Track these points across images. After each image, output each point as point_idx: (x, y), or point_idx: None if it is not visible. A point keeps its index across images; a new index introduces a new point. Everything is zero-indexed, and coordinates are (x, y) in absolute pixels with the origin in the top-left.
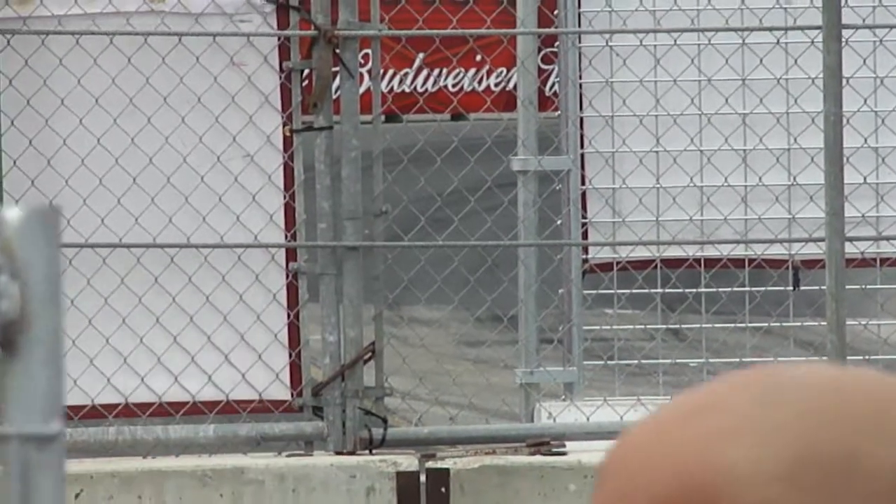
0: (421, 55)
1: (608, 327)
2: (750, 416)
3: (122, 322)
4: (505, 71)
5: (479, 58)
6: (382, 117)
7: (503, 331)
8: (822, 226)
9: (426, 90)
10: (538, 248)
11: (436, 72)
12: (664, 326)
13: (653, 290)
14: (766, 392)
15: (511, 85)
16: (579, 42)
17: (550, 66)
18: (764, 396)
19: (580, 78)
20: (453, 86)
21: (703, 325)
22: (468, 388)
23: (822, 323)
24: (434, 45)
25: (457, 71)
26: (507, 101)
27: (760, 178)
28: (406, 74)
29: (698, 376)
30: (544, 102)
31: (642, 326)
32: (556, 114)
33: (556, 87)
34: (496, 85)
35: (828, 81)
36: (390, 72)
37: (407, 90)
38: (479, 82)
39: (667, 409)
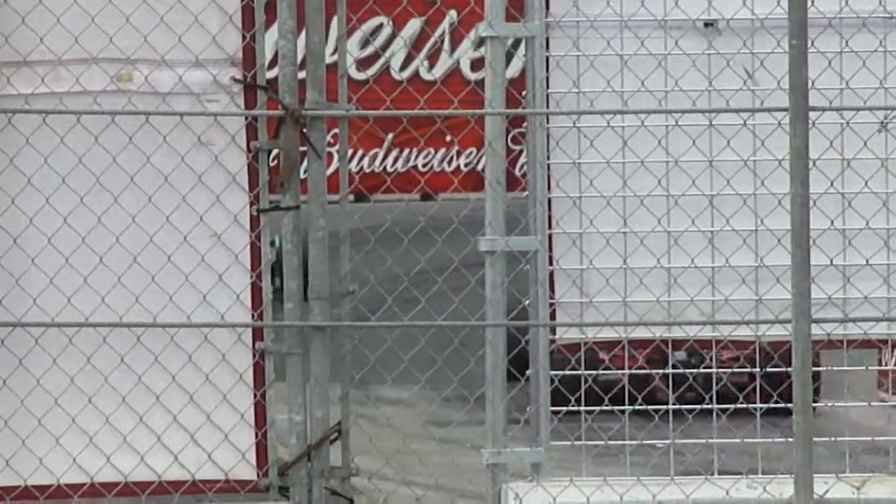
0: (390, 135)
1: (575, 408)
2: None
3: (88, 401)
4: (474, 151)
5: (448, 138)
6: (351, 197)
7: (470, 411)
8: (789, 307)
9: (396, 170)
10: (506, 328)
11: (405, 152)
12: (631, 407)
13: (619, 371)
14: None
15: (480, 165)
16: (547, 123)
17: (519, 147)
18: None
19: (548, 158)
20: (423, 165)
21: (670, 406)
22: (435, 469)
23: (789, 404)
24: (403, 125)
25: (426, 151)
26: (475, 181)
27: (727, 260)
28: (375, 154)
29: (665, 457)
30: (513, 182)
31: (609, 407)
32: (524, 194)
33: (525, 167)
34: (466, 165)
35: (794, 163)
36: (360, 152)
37: (377, 170)
38: (449, 162)
39: None
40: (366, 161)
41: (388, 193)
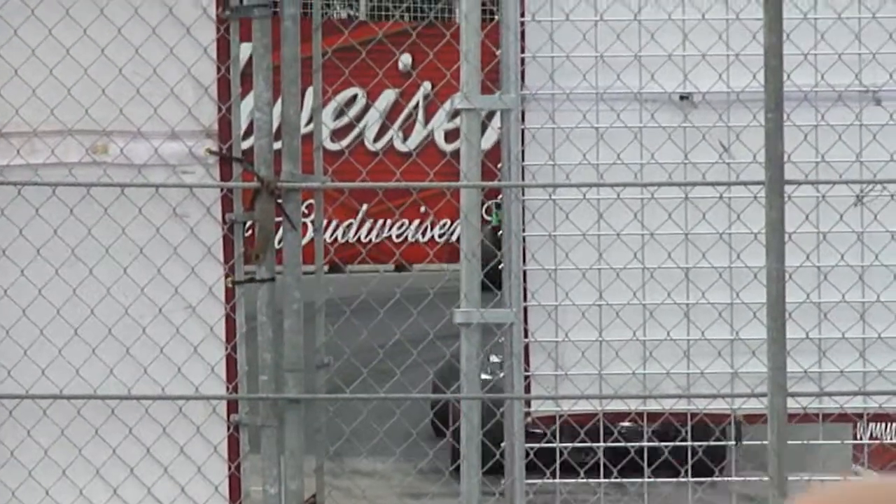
0: (364, 206)
1: (550, 481)
2: None
3: (62, 474)
4: (448, 222)
5: (422, 209)
6: (325, 268)
7: (446, 483)
8: (765, 381)
9: (370, 241)
10: (481, 401)
11: (379, 223)
12: (606, 480)
13: (594, 444)
14: None
15: (455, 237)
16: (523, 195)
17: (490, 219)
18: None
19: (523, 231)
20: (397, 237)
21: (646, 480)
22: None
23: (764, 478)
24: (378, 196)
25: (400, 222)
26: (450, 252)
27: (703, 333)
28: (350, 225)
29: None
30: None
31: (584, 480)
32: (500, 267)
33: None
34: (440, 236)
35: (770, 236)
36: (334, 222)
37: (351, 240)
38: (423, 233)
39: None
40: (340, 231)
41: (362, 264)
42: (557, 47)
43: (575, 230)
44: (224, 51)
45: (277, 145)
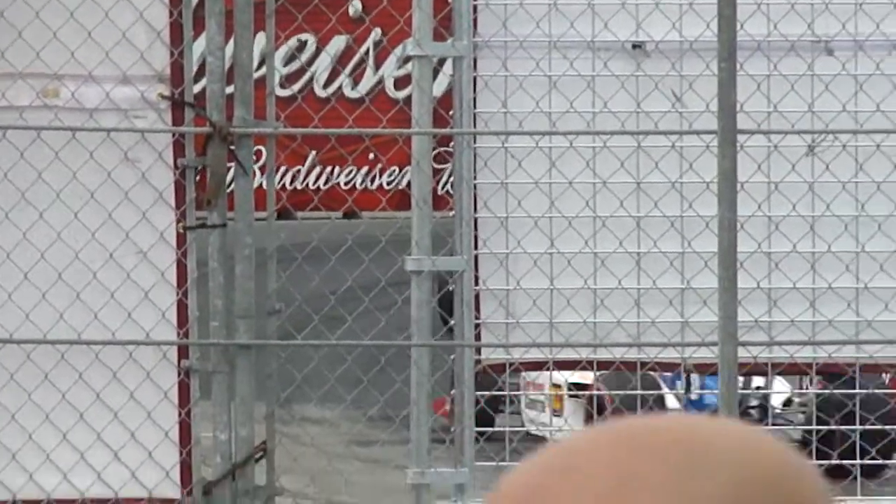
0: (314, 153)
1: (500, 428)
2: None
3: (11, 418)
4: (397, 169)
5: (371, 156)
6: (275, 215)
7: (395, 431)
8: (715, 330)
9: (318, 187)
10: (431, 348)
11: (328, 169)
12: (555, 428)
13: (546, 392)
14: (687, 462)
15: (404, 183)
16: (475, 143)
17: (443, 166)
18: (686, 468)
19: (475, 178)
20: (345, 183)
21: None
22: (359, 488)
23: None
24: (329, 143)
25: (349, 169)
26: (398, 199)
27: (654, 282)
28: (298, 171)
29: None
30: (437, 202)
31: (534, 427)
32: (451, 214)
33: (449, 186)
34: (388, 183)
35: (722, 185)
36: (282, 168)
37: (299, 187)
38: (372, 181)
39: (568, 484)
40: (288, 178)
41: (312, 211)
42: None
43: (527, 178)
44: None
45: (230, 90)
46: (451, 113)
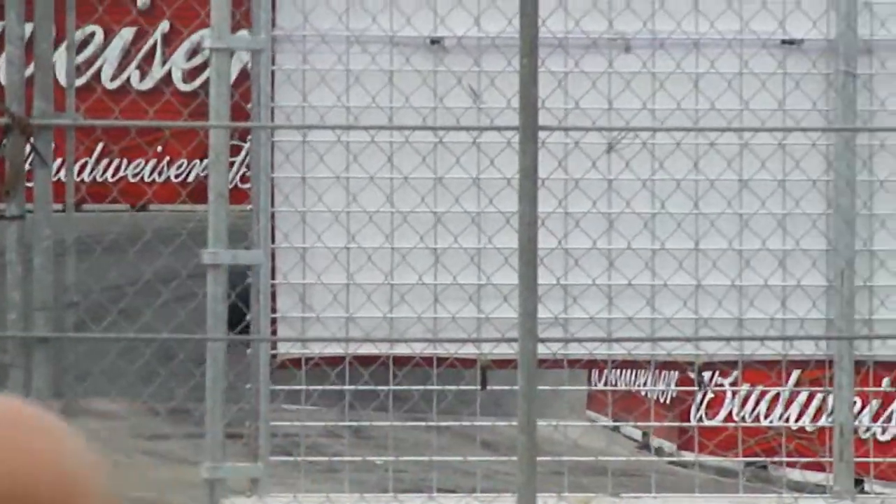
0: (100, 145)
1: (297, 423)
2: None
3: None
4: (185, 162)
5: (158, 148)
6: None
7: (187, 424)
8: (514, 326)
9: (105, 179)
10: (229, 342)
11: (115, 161)
12: (350, 423)
13: (339, 387)
14: None
15: (192, 176)
16: (272, 136)
17: (233, 159)
18: None
19: (272, 172)
20: (133, 176)
21: (392, 423)
22: (154, 484)
23: (512, 423)
24: (124, 135)
25: (137, 161)
26: (187, 192)
27: (455, 277)
28: (85, 163)
29: (386, 476)
30: (233, 195)
31: (331, 423)
32: (249, 208)
33: (238, 180)
34: (176, 176)
35: (523, 182)
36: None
37: (86, 179)
38: (160, 173)
39: None
40: (75, 169)
41: (97, 203)
42: None
43: (328, 172)
44: None
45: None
46: (249, 105)
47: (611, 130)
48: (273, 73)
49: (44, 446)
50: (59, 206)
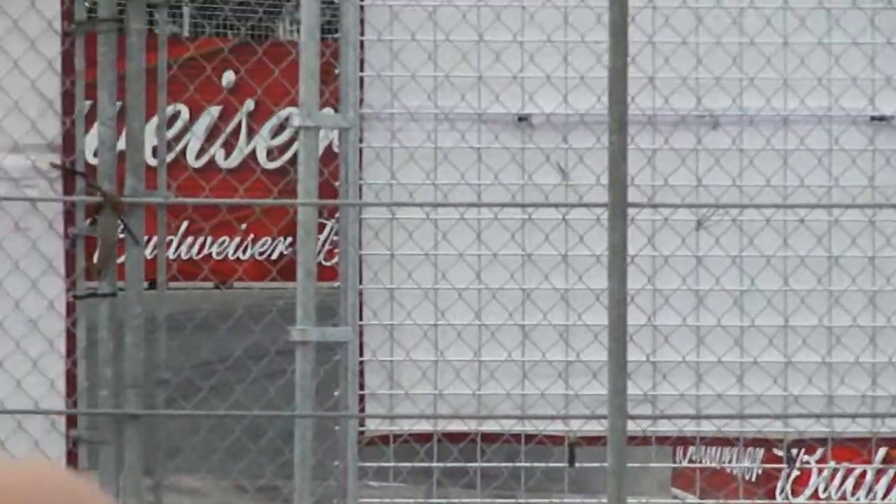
0: (185, 224)
1: (386, 500)
2: None
3: None
4: (269, 241)
5: (243, 226)
6: (145, 283)
7: (275, 502)
8: (603, 403)
9: (190, 257)
10: (316, 419)
11: (199, 239)
12: (438, 501)
13: (428, 464)
14: None
15: (275, 254)
16: (361, 213)
17: (319, 237)
18: None
19: (361, 249)
20: (217, 254)
21: (481, 501)
22: None
23: (603, 500)
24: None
25: (221, 239)
26: (267, 271)
27: (544, 354)
28: (170, 241)
29: None
30: (322, 272)
31: (422, 500)
32: (337, 284)
33: (322, 257)
34: (260, 254)
35: (612, 259)
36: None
37: (170, 257)
38: (244, 251)
39: None
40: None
41: (185, 281)
42: (401, 66)
43: (417, 249)
44: (69, 64)
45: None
46: (337, 183)
47: (700, 207)
48: (361, 150)
49: None
50: (145, 284)
